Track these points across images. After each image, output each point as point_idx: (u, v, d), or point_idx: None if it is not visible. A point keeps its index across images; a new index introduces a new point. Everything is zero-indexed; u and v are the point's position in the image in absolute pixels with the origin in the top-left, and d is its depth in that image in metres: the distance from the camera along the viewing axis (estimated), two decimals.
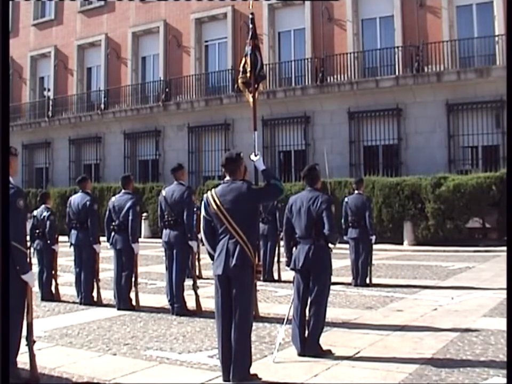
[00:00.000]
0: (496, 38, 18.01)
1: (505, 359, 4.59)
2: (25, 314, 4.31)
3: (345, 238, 9.78)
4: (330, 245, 5.38)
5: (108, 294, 8.15)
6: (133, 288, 7.63)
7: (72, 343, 5.85)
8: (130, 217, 7.58)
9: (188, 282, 7.67)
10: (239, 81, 7.29)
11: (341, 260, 11.63)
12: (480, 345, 5.46)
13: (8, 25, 24.01)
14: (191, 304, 7.31)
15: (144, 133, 24.87)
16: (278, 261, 10.18)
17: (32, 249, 8.04)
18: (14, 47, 27.74)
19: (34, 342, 4.41)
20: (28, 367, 4.39)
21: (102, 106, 25.61)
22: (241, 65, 7.24)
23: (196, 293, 7.33)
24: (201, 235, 4.78)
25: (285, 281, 9.63)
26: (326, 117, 20.66)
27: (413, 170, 18.47)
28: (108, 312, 7.51)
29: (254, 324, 4.79)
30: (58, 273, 8.75)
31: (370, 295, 8.55)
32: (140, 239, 8.02)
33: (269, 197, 5.13)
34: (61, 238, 8.70)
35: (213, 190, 4.65)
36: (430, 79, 18.79)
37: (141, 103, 24.84)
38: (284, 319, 5.56)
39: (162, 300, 7.89)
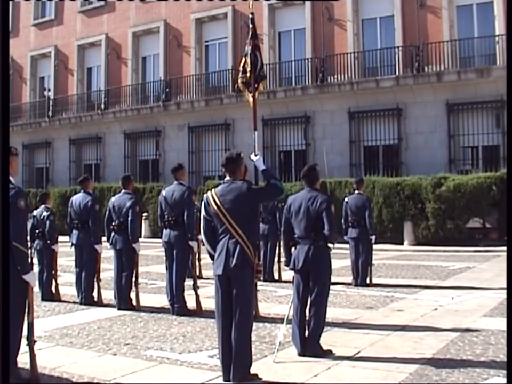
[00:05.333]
0: (497, 38, 18.00)
1: (505, 359, 4.59)
2: (26, 314, 4.30)
3: (345, 238, 9.79)
4: (329, 245, 5.37)
5: (108, 294, 8.15)
6: (133, 288, 7.64)
7: (73, 343, 5.86)
8: (130, 217, 7.59)
9: (188, 282, 7.66)
10: (239, 81, 7.27)
11: (341, 260, 11.64)
12: (481, 345, 5.46)
13: (8, 25, 24.04)
14: (191, 304, 7.31)
15: (145, 133, 24.88)
16: (279, 261, 10.18)
17: (32, 249, 8.06)
18: (14, 47, 27.75)
19: (35, 342, 4.41)
20: (28, 367, 4.39)
21: (102, 106, 25.61)
22: (241, 65, 7.23)
23: (196, 293, 7.34)
24: (201, 235, 4.77)
25: (285, 281, 9.62)
26: (326, 117, 20.65)
27: (413, 170, 18.47)
28: (108, 312, 7.51)
29: (254, 323, 4.79)
30: (58, 273, 8.76)
31: (371, 295, 8.55)
32: (140, 239, 8.02)
33: (269, 197, 5.13)
34: (61, 238, 8.71)
35: (213, 190, 4.65)
36: (430, 79, 18.78)
37: (141, 103, 24.85)
38: (284, 319, 5.56)
39: (162, 300, 7.89)
